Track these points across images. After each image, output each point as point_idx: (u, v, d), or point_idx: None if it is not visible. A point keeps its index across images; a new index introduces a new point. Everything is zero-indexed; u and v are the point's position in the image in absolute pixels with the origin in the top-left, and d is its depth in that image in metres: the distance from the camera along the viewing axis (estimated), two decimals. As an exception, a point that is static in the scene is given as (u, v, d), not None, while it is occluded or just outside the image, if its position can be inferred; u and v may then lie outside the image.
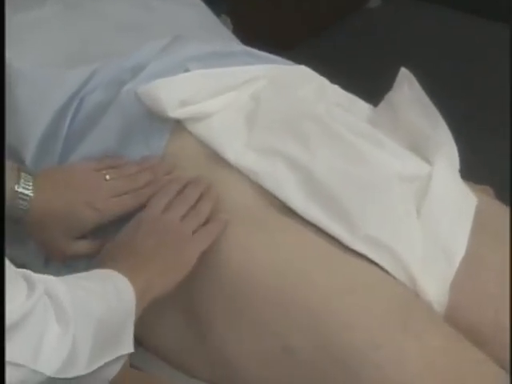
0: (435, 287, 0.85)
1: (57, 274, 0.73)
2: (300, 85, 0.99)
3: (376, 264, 0.86)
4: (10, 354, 0.61)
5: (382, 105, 1.02)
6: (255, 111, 0.94)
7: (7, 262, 0.63)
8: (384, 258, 0.86)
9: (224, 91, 0.95)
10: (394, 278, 0.85)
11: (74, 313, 0.66)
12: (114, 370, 0.72)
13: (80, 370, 0.66)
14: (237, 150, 0.91)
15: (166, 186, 0.87)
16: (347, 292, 0.83)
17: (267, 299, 0.83)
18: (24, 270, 0.66)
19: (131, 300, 0.75)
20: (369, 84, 1.14)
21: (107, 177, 0.88)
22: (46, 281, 0.67)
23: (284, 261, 0.85)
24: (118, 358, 0.72)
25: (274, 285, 0.83)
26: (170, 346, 0.90)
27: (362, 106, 1.03)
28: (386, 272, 0.85)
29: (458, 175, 0.94)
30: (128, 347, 0.74)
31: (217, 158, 0.91)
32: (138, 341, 0.79)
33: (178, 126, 0.93)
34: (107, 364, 0.71)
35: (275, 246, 0.86)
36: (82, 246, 0.89)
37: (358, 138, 0.92)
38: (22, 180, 0.83)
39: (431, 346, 0.80)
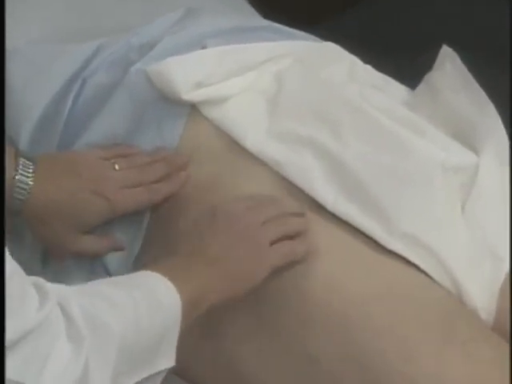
0: (482, 293, 0.82)
1: (55, 274, 0.69)
2: (329, 64, 0.94)
3: (415, 266, 0.81)
4: (11, 371, 0.56)
5: (420, 87, 0.97)
6: (278, 94, 0.89)
7: (17, 268, 0.58)
8: (424, 258, 0.81)
9: (244, 71, 0.90)
10: (435, 281, 0.81)
11: (91, 330, 0.60)
12: None
13: None
14: (257, 137, 0.86)
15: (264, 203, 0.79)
16: (381, 296, 0.78)
17: (288, 303, 0.78)
18: (36, 278, 0.60)
19: (174, 309, 0.67)
20: (405, 64, 1.08)
21: (116, 166, 0.81)
22: (59, 291, 0.61)
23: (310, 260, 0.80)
24: (154, 374, 0.67)
25: (297, 287, 0.78)
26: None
27: (398, 88, 0.98)
28: (426, 275, 0.81)
29: (508, 167, 0.89)
30: (167, 361, 0.67)
31: (236, 147, 0.86)
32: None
33: (193, 110, 0.88)
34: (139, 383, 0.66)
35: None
36: (89, 242, 0.82)
37: (395, 123, 0.87)
38: (21, 166, 0.76)
39: (477, 359, 0.76)
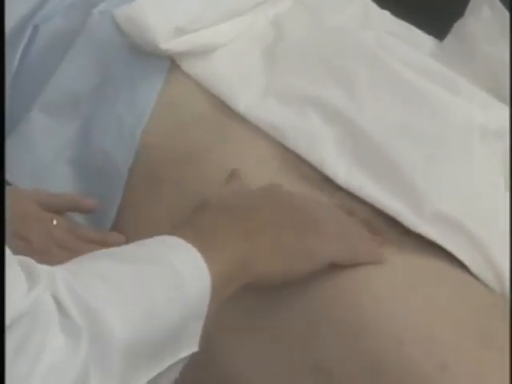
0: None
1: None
2: (337, 7, 0.90)
3: (447, 253, 0.74)
4: None
5: (450, 36, 0.91)
6: (277, 43, 0.84)
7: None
8: (459, 243, 0.74)
9: (234, 15, 0.85)
10: (472, 272, 0.74)
11: (88, 323, 0.54)
12: (172, 376, 0.62)
13: None
14: (252, 98, 0.81)
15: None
16: (405, 291, 0.71)
17: (292, 302, 0.72)
18: (24, 258, 0.56)
19: (202, 291, 0.60)
20: (430, 10, 1.01)
21: (54, 222, 0.77)
22: (52, 274, 0.56)
23: None
24: (176, 362, 0.62)
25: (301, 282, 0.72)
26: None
27: (423, 38, 0.92)
28: (461, 264, 0.74)
29: None
30: (190, 348, 0.61)
31: (227, 110, 0.81)
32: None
33: (173, 64, 0.83)
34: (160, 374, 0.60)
35: None
36: None
37: (422, 78, 0.81)
38: None
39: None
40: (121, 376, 0.57)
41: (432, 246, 0.75)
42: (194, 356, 0.69)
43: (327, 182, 0.78)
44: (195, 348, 0.61)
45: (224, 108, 0.81)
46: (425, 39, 0.93)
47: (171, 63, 0.83)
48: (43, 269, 0.57)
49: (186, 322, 0.60)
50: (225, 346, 0.75)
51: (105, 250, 0.63)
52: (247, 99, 0.80)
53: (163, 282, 0.59)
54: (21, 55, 0.84)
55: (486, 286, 0.74)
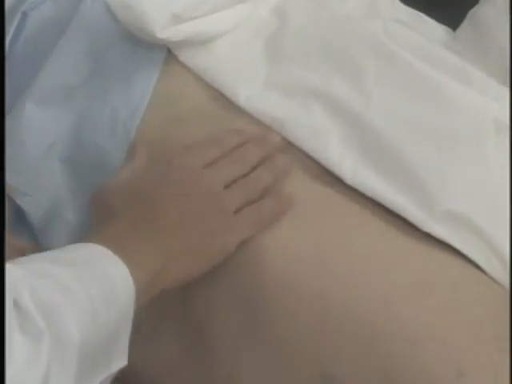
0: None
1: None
2: None
3: (460, 254, 0.72)
4: None
5: (464, 25, 0.87)
6: (280, 32, 0.82)
7: None
8: (472, 244, 0.72)
9: (235, 2, 0.82)
10: (487, 274, 0.72)
11: (47, 323, 0.53)
12: None
13: None
14: (253, 89, 0.78)
15: (221, 136, 0.75)
16: (417, 294, 0.69)
17: (302, 308, 0.69)
18: None
19: (129, 299, 0.61)
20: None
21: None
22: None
23: (323, 253, 0.71)
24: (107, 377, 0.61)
25: (313, 290, 0.69)
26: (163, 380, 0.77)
27: (434, 27, 0.89)
28: (475, 266, 0.72)
29: None
30: (121, 360, 0.61)
31: (227, 102, 0.79)
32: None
33: (170, 54, 0.81)
34: None
35: (312, 235, 0.73)
36: None
37: (433, 69, 0.78)
38: None
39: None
40: (76, 378, 0.55)
41: (447, 245, 0.73)
42: (188, 371, 0.72)
43: (332, 177, 0.75)
44: (125, 361, 0.61)
45: (223, 100, 0.79)
46: (436, 28, 0.89)
47: (168, 53, 0.80)
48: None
49: (118, 328, 0.60)
50: (222, 356, 0.72)
51: (37, 254, 0.62)
52: (248, 91, 0.78)
53: (99, 286, 0.59)
54: (9, 44, 0.81)
55: (499, 285, 0.72)
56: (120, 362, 0.61)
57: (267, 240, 0.72)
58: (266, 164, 0.73)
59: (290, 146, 0.76)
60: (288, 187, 0.75)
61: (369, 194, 0.73)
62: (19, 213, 0.78)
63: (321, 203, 0.75)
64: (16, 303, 0.53)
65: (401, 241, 0.72)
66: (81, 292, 0.58)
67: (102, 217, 0.69)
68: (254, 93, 0.78)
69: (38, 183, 0.78)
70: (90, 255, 0.61)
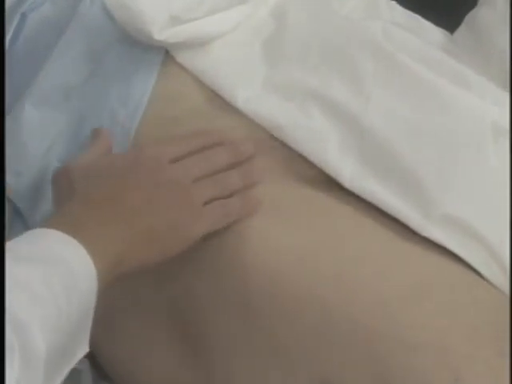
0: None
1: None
2: None
3: (458, 258, 0.72)
4: None
5: (461, 28, 0.88)
6: (278, 33, 0.82)
7: None
8: (472, 249, 0.72)
9: (233, 3, 0.82)
10: (485, 278, 0.72)
11: (20, 338, 0.53)
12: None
13: None
14: (251, 92, 0.78)
15: (190, 136, 0.75)
16: (415, 299, 0.69)
17: (298, 312, 0.68)
18: None
19: (91, 286, 0.60)
20: (439, 2, 0.97)
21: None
22: None
23: (316, 255, 0.71)
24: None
25: (307, 291, 0.69)
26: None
27: (432, 30, 0.89)
28: (473, 270, 0.72)
29: None
30: (83, 348, 0.60)
31: (224, 104, 0.79)
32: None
33: (167, 56, 0.81)
34: None
35: (305, 237, 0.72)
36: None
37: (431, 72, 0.78)
38: None
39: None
40: (43, 381, 0.55)
41: (444, 248, 0.73)
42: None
43: (330, 181, 0.75)
44: (86, 348, 0.61)
45: (221, 102, 0.79)
46: (434, 31, 0.90)
47: (165, 55, 0.80)
48: None
49: (80, 321, 0.60)
50: (221, 362, 0.72)
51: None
52: (246, 93, 0.78)
53: (61, 278, 0.58)
54: (8, 45, 0.81)
55: (497, 290, 0.72)
56: (82, 350, 0.61)
57: (259, 241, 0.72)
58: (238, 169, 0.73)
59: (288, 150, 0.76)
60: (281, 189, 0.75)
61: (367, 197, 0.73)
62: (19, 213, 0.78)
63: (317, 206, 0.74)
64: None
65: (398, 244, 0.72)
66: (46, 294, 0.57)
67: (63, 194, 0.68)
68: (252, 95, 0.78)
69: (38, 184, 0.78)
70: (51, 246, 0.60)
